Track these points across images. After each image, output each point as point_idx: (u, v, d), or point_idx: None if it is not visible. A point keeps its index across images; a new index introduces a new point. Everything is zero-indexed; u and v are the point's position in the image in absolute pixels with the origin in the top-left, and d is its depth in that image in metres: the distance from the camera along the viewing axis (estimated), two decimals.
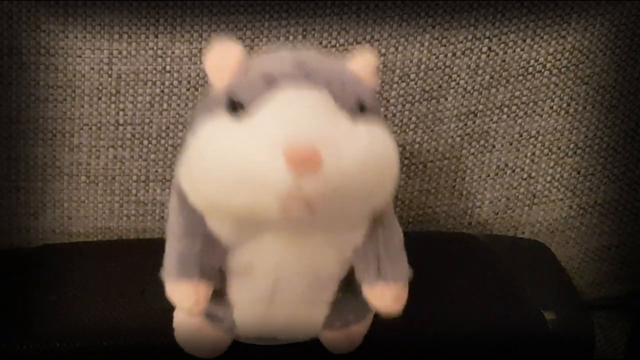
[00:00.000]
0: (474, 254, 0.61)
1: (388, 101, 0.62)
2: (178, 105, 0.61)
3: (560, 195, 0.67)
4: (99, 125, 0.61)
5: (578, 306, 0.58)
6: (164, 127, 0.62)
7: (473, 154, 0.65)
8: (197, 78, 0.60)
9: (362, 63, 0.43)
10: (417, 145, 0.64)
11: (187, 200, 0.42)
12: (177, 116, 0.61)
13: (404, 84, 0.62)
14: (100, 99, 0.60)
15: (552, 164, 0.66)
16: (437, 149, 0.65)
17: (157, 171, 0.63)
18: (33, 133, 0.61)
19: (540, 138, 0.65)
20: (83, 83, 0.60)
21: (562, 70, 0.63)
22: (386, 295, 0.44)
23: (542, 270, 0.61)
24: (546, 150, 0.65)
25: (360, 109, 0.41)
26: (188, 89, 0.61)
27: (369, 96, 0.42)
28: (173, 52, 0.60)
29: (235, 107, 0.40)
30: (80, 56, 0.59)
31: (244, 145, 0.38)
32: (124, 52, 0.59)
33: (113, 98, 0.61)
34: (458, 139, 0.65)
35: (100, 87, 0.60)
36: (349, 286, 0.46)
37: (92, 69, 0.60)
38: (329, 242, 0.43)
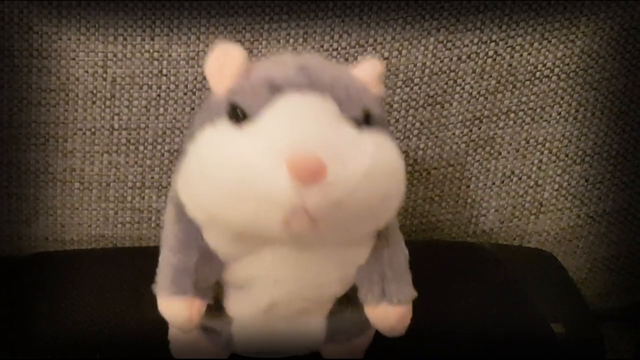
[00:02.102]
0: (479, 264, 0.61)
1: (391, 106, 0.62)
2: (175, 109, 0.61)
3: (567, 204, 0.66)
4: (93, 130, 0.61)
5: (587, 318, 0.58)
6: (160, 132, 0.61)
7: (478, 160, 0.65)
8: (195, 82, 0.60)
9: (367, 70, 0.42)
10: (420, 152, 0.64)
11: (185, 212, 0.41)
12: (173, 121, 0.61)
13: (407, 89, 0.62)
14: (94, 103, 0.60)
15: (559, 171, 0.66)
16: (442, 156, 0.64)
17: (153, 177, 0.63)
18: (25, 138, 0.60)
19: (547, 145, 0.65)
20: (77, 86, 0.59)
21: (570, 75, 0.63)
22: (390, 317, 0.44)
23: (549, 280, 0.62)
24: (553, 158, 0.65)
25: (365, 118, 0.40)
26: (185, 93, 0.60)
27: (375, 105, 0.41)
28: (170, 55, 0.59)
29: (236, 113, 0.39)
30: (74, 59, 0.59)
31: (245, 154, 0.37)
32: (119, 55, 0.59)
33: (108, 102, 0.60)
34: (463, 145, 0.64)
35: (94, 91, 0.60)
36: (350, 300, 0.45)
37: (87, 72, 0.59)
38: (331, 260, 0.43)
